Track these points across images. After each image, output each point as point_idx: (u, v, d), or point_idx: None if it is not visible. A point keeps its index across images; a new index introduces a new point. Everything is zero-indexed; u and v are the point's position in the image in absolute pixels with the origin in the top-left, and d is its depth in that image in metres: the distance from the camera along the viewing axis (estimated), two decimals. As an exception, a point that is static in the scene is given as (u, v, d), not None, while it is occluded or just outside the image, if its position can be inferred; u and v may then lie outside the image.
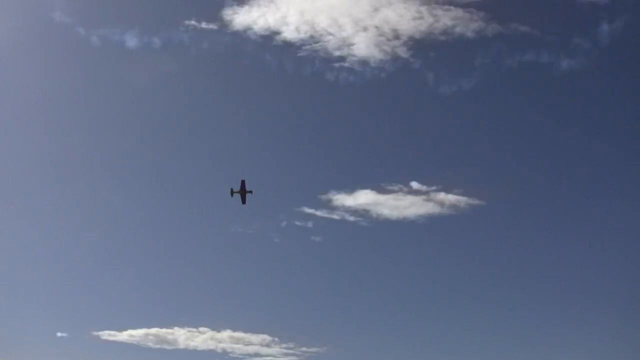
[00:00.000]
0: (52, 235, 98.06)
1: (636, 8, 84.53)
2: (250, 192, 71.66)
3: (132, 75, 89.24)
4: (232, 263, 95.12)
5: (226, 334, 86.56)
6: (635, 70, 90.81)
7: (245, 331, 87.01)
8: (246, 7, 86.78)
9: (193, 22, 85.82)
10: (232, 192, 71.38)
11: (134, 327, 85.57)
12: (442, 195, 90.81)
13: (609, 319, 78.35)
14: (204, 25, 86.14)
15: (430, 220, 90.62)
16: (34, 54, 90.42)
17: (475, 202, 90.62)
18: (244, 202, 71.89)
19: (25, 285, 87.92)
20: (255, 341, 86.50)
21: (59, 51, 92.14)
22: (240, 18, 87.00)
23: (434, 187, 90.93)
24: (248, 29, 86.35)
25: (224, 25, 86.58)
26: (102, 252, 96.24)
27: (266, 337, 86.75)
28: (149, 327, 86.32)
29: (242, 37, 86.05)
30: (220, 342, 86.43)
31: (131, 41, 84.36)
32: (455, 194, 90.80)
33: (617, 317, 78.37)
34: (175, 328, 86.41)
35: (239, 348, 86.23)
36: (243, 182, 71.57)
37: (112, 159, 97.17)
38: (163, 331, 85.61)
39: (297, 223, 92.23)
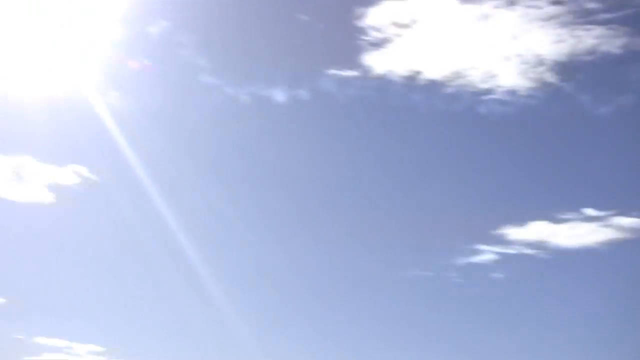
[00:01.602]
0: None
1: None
2: None
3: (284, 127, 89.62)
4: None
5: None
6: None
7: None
8: (383, 50, 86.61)
9: (334, 72, 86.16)
10: None
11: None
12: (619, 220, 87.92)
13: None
14: (345, 73, 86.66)
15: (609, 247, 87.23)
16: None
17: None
18: None
19: None
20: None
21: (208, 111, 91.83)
22: (380, 62, 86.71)
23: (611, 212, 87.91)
24: (389, 72, 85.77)
25: (366, 71, 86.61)
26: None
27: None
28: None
29: (384, 80, 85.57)
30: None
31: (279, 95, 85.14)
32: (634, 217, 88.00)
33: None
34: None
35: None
36: None
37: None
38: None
39: (475, 261, 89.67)
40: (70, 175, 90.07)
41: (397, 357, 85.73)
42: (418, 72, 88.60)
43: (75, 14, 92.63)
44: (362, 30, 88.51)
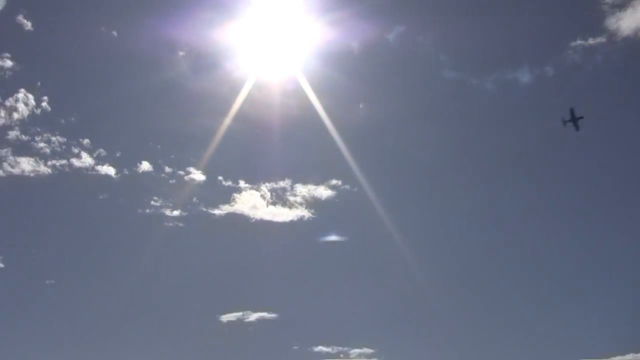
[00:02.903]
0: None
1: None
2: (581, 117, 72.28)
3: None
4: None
5: None
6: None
7: None
8: (629, 10, 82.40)
9: (579, 42, 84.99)
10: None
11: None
12: None
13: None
14: (591, 41, 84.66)
15: None
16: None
17: None
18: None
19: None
20: None
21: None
22: (627, 23, 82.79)
23: None
24: (638, 31, 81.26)
25: (612, 35, 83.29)
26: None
27: None
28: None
29: (633, 41, 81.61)
30: None
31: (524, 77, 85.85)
32: None
33: None
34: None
35: None
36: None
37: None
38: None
39: None
40: (326, 190, 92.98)
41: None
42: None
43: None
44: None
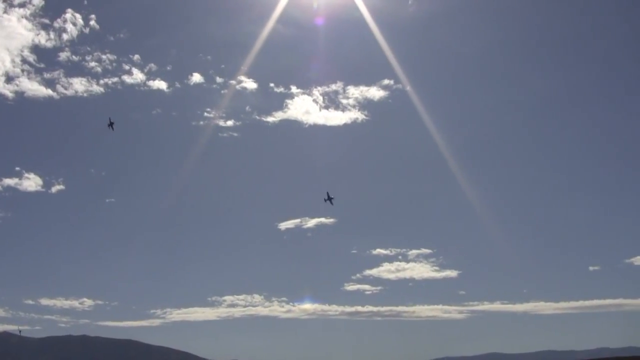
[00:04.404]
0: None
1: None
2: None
3: None
4: None
5: None
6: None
7: None
8: None
9: None
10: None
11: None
12: None
13: None
14: None
15: None
16: None
17: None
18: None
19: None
20: None
21: None
22: None
23: None
24: None
25: None
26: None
27: None
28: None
29: None
30: None
31: None
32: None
33: None
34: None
35: None
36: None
37: None
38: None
39: None
40: (378, 91, 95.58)
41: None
42: None
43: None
44: None
